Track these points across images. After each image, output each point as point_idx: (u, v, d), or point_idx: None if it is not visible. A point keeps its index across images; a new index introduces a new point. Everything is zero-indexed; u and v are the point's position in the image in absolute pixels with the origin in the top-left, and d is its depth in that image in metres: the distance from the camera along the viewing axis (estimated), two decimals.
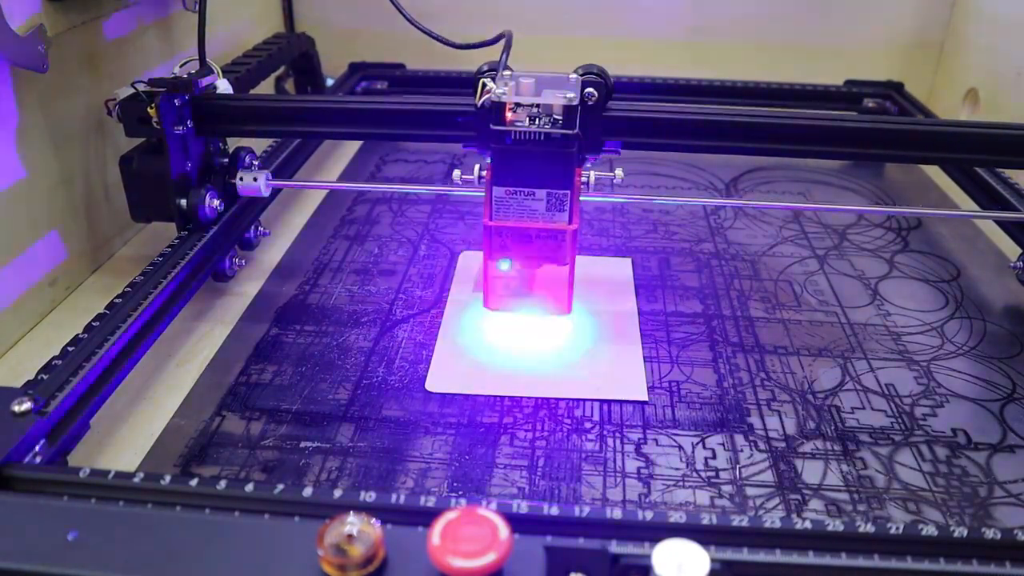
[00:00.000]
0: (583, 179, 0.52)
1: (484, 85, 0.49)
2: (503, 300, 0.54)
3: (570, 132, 0.47)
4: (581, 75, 0.51)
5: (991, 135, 0.55)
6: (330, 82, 0.92)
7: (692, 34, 0.97)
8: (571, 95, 0.48)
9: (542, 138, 0.48)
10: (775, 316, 0.59)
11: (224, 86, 0.61)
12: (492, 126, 0.48)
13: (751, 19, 0.96)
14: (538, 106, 0.48)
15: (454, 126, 0.56)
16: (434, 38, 0.64)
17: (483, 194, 0.50)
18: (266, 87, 0.87)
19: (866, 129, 0.56)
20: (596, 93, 0.52)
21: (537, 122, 0.48)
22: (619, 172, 0.53)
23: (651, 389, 0.52)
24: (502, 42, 0.56)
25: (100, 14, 0.61)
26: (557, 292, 0.53)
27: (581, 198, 0.52)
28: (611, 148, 0.55)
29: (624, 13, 0.97)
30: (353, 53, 0.94)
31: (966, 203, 0.72)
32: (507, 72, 0.50)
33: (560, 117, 0.48)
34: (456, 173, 0.52)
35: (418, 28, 0.65)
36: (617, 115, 0.54)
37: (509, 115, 0.48)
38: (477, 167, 0.51)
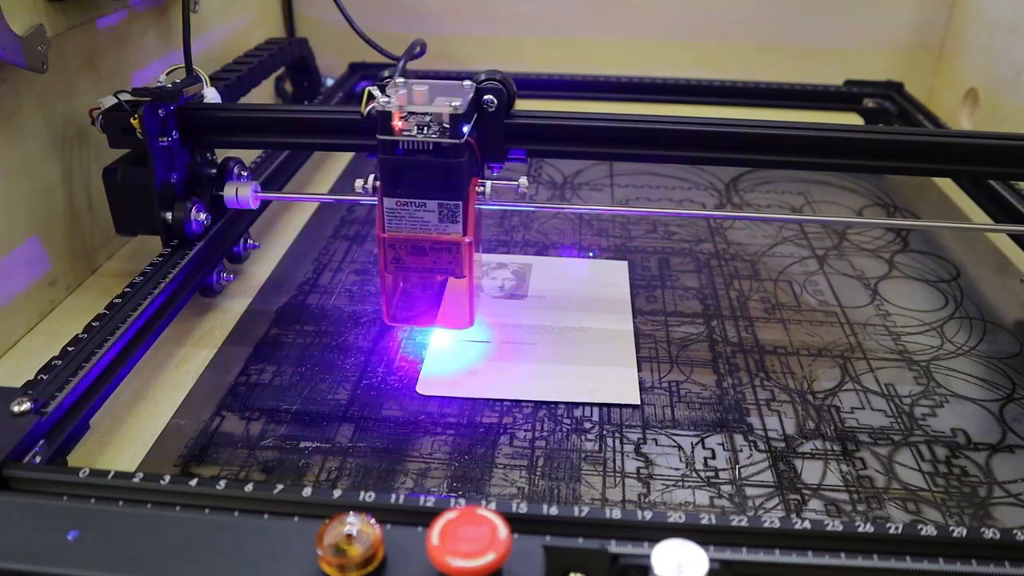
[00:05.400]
0: (479, 189, 0.50)
1: (370, 94, 0.47)
2: (403, 314, 0.53)
3: (456, 141, 0.46)
4: (481, 82, 0.50)
5: (996, 147, 0.53)
6: (330, 82, 0.92)
7: (692, 34, 0.97)
8: (457, 103, 0.46)
9: (430, 147, 0.46)
10: (775, 316, 0.59)
11: (212, 95, 0.59)
12: (378, 136, 0.46)
13: (751, 19, 0.96)
14: (428, 114, 0.46)
15: (357, 135, 0.55)
16: (378, 51, 0.64)
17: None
18: (265, 87, 0.87)
19: (840, 140, 0.53)
20: (495, 100, 0.50)
21: (425, 131, 0.46)
22: (523, 181, 0.51)
23: (650, 389, 0.52)
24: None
25: (100, 14, 0.61)
26: (458, 305, 0.51)
27: (511, 207, 0.50)
28: (516, 156, 0.54)
29: (624, 13, 0.97)
30: (353, 53, 0.94)
31: (967, 204, 0.72)
32: (400, 80, 0.48)
33: (449, 126, 0.46)
34: (358, 183, 0.50)
35: (366, 40, 0.64)
36: (519, 123, 0.53)
37: (398, 124, 0.46)
38: (371, 177, 0.49)
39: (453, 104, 0.46)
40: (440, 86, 0.48)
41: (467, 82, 0.49)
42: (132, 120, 0.52)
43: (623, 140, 0.54)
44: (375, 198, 0.49)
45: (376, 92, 0.47)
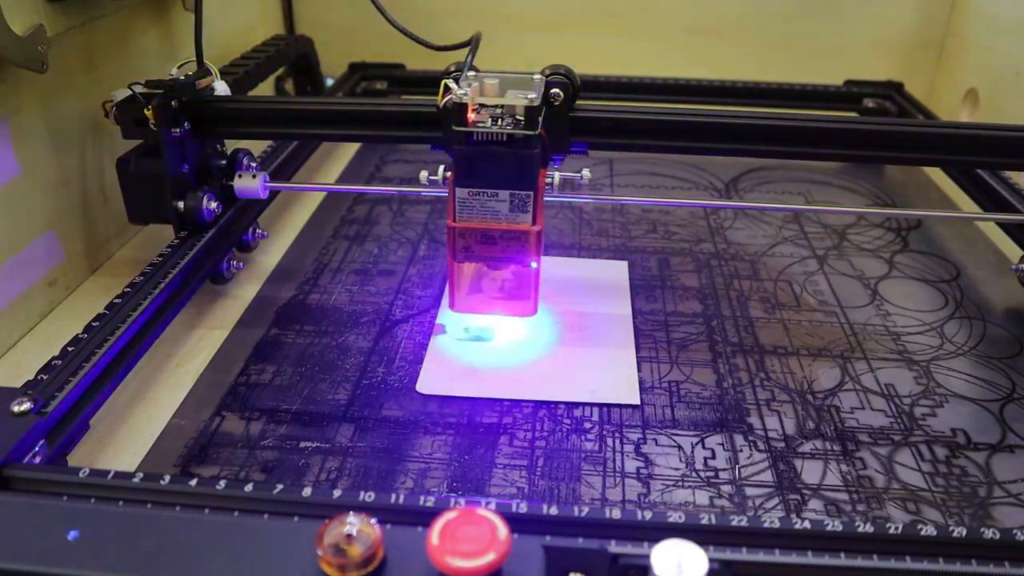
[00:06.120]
0: (548, 180, 0.51)
1: (446, 87, 0.48)
2: (468, 302, 0.54)
3: (532, 133, 0.47)
4: (547, 75, 0.51)
5: (991, 137, 0.54)
6: (330, 82, 0.92)
7: (691, 34, 0.97)
8: (532, 96, 0.47)
9: (504, 139, 0.47)
10: (775, 316, 0.59)
11: (222, 88, 0.60)
12: (454, 127, 0.47)
13: (751, 19, 0.96)
14: (501, 107, 0.48)
15: (422, 127, 0.55)
16: (412, 39, 0.65)
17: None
18: (266, 87, 0.87)
19: (848, 131, 0.55)
20: (561, 93, 0.51)
21: (500, 123, 0.47)
22: (586, 173, 0.52)
23: (650, 389, 0.52)
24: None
25: (100, 14, 0.61)
26: (523, 294, 0.53)
27: (575, 199, 0.52)
28: (578, 149, 0.55)
29: (624, 13, 0.97)
30: (353, 53, 0.94)
31: (966, 204, 0.72)
32: (471, 73, 0.50)
33: (522, 118, 0.47)
34: (423, 174, 0.51)
35: (398, 28, 0.65)
36: (583, 116, 0.54)
37: (472, 116, 0.47)
38: (441, 168, 0.51)
39: (529, 97, 0.47)
40: (509, 79, 0.49)
41: (537, 75, 0.50)
42: (146, 111, 0.53)
43: (690, 134, 0.55)
44: (438, 190, 0.50)
45: (452, 84, 0.48)
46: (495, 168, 0.48)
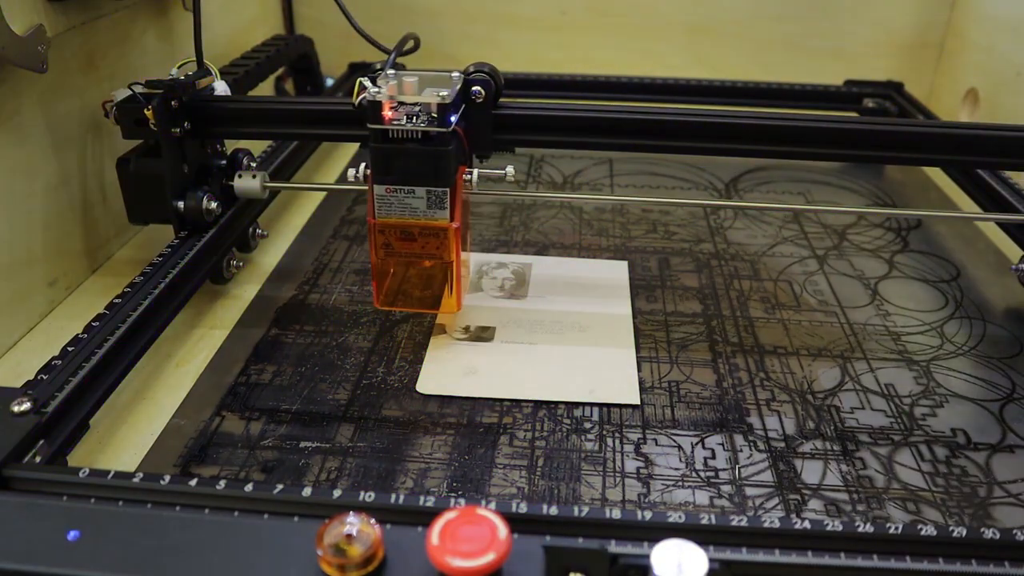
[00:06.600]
0: (467, 177, 0.52)
1: (361, 84, 0.49)
2: (392, 298, 0.55)
3: (444, 130, 0.48)
4: (469, 73, 0.52)
5: (991, 137, 0.54)
6: (330, 82, 0.92)
7: (692, 34, 0.97)
8: (444, 93, 0.48)
9: (418, 136, 0.48)
10: (775, 316, 0.59)
11: (222, 88, 0.61)
12: (369, 125, 0.48)
13: (751, 19, 0.96)
14: (417, 104, 0.48)
15: (349, 126, 0.56)
16: (369, 40, 0.65)
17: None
18: (266, 87, 0.87)
19: (848, 131, 0.55)
20: (483, 91, 0.52)
21: (414, 120, 0.48)
22: (509, 170, 0.52)
23: (650, 389, 0.52)
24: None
25: (100, 14, 0.61)
26: (447, 290, 0.53)
27: (578, 198, 0.52)
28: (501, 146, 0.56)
29: (624, 13, 0.97)
30: (353, 53, 0.94)
31: (966, 204, 0.72)
32: (391, 71, 0.50)
33: (436, 115, 0.48)
34: (350, 172, 0.51)
35: (357, 30, 0.66)
36: (506, 113, 0.54)
37: (388, 114, 0.48)
38: (363, 165, 0.51)
39: (441, 94, 0.47)
40: (429, 77, 0.50)
41: (455, 73, 0.51)
42: (146, 111, 0.53)
43: (608, 130, 0.56)
44: (361, 187, 0.51)
45: (367, 83, 0.49)
46: (410, 165, 0.49)
